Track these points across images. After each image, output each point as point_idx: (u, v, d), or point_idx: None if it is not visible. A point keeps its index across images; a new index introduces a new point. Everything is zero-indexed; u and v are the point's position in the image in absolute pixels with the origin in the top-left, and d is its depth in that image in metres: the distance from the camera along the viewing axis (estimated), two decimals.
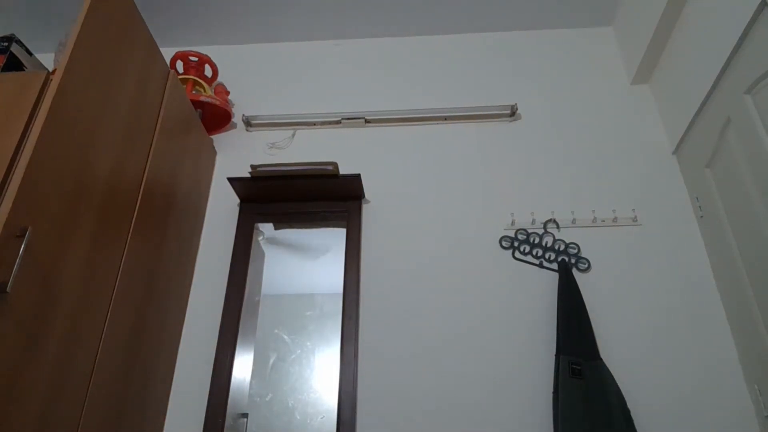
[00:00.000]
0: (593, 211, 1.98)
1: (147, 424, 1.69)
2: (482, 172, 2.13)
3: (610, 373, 1.64)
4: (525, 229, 1.97)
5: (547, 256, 1.92)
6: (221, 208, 2.15)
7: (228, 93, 2.37)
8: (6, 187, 1.21)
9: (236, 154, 2.26)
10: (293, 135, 2.30)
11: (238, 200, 2.13)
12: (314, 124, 2.32)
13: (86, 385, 1.36)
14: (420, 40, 2.54)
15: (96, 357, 1.40)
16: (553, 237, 1.96)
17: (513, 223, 1.99)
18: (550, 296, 1.81)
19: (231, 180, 2.04)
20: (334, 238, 2.12)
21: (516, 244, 1.95)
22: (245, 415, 1.98)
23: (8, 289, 1.08)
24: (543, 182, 2.08)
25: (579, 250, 1.92)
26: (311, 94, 2.42)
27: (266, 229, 2.25)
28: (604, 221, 1.97)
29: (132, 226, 1.60)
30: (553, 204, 2.01)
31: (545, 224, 1.98)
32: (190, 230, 2.04)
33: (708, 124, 1.83)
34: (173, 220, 1.89)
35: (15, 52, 1.79)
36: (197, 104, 2.16)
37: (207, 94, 2.24)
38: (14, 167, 1.23)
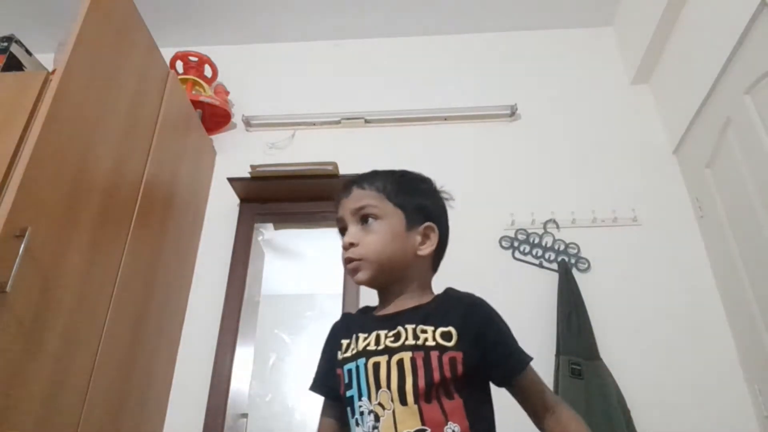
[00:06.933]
0: (593, 211, 1.98)
1: (147, 424, 1.68)
2: (482, 173, 2.12)
3: (610, 373, 1.64)
4: (525, 229, 1.97)
5: (546, 256, 1.92)
6: (221, 208, 2.14)
7: (228, 93, 2.37)
8: (6, 187, 1.20)
9: (236, 154, 2.25)
10: (293, 135, 2.30)
11: (237, 200, 2.13)
12: (314, 125, 2.31)
13: (86, 385, 1.36)
14: (420, 40, 2.54)
15: (96, 356, 1.40)
16: (553, 237, 1.96)
17: (513, 223, 1.99)
18: (550, 296, 1.81)
19: (231, 180, 2.04)
20: (334, 238, 2.12)
21: (516, 244, 1.95)
22: (245, 416, 1.98)
23: (8, 289, 1.08)
24: (543, 182, 2.08)
25: (579, 250, 1.92)
26: (311, 94, 2.42)
27: (266, 229, 2.25)
28: (603, 221, 1.97)
29: (132, 226, 1.60)
30: (552, 204, 2.01)
31: (545, 224, 1.98)
32: (189, 230, 2.04)
33: (708, 124, 1.83)
34: (173, 220, 1.89)
35: (15, 52, 1.78)
36: (197, 104, 2.16)
37: (207, 95, 2.24)
38: (14, 167, 1.23)
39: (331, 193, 2.23)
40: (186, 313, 1.95)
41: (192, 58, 2.31)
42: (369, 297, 1.94)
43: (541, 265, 1.91)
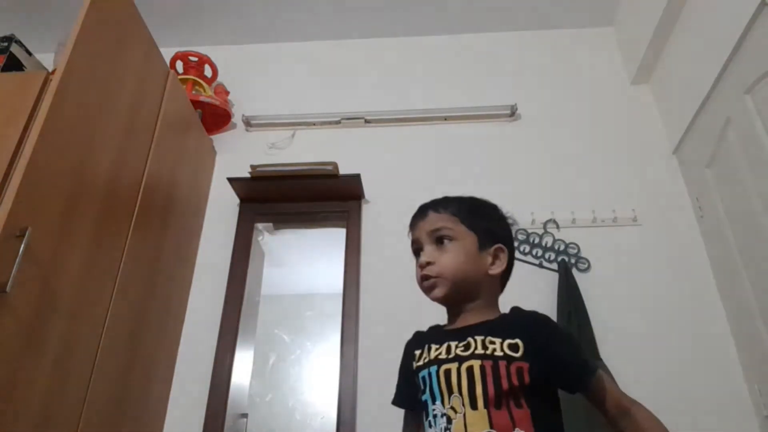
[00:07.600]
0: (593, 211, 1.98)
1: (147, 424, 1.69)
2: (482, 172, 2.12)
3: (610, 373, 1.64)
4: (525, 229, 1.97)
5: (546, 256, 1.92)
6: (221, 208, 2.15)
7: (228, 93, 2.37)
8: (6, 187, 1.21)
9: (236, 154, 2.25)
10: (293, 135, 2.30)
11: (237, 200, 2.13)
12: (314, 124, 2.31)
13: (86, 385, 1.36)
14: (420, 40, 2.54)
15: (96, 357, 1.40)
16: (553, 237, 1.96)
17: (513, 223, 1.98)
18: (549, 296, 1.81)
19: (231, 180, 2.04)
20: (334, 238, 2.12)
21: (516, 244, 1.95)
22: (245, 416, 1.98)
23: (8, 289, 1.08)
24: (543, 182, 2.08)
25: (579, 250, 1.92)
26: (311, 94, 2.42)
27: (266, 229, 2.25)
28: (603, 221, 1.97)
29: (132, 226, 1.60)
30: (552, 204, 2.01)
31: (545, 224, 1.98)
32: (189, 230, 2.04)
33: (708, 124, 1.83)
34: (173, 220, 1.89)
35: (15, 52, 1.79)
36: (197, 104, 2.16)
37: (207, 94, 2.24)
38: (14, 167, 1.23)
39: (331, 193, 2.24)
40: (186, 313, 1.95)
41: (192, 58, 2.31)
42: (370, 297, 1.94)
43: (541, 265, 1.91)
